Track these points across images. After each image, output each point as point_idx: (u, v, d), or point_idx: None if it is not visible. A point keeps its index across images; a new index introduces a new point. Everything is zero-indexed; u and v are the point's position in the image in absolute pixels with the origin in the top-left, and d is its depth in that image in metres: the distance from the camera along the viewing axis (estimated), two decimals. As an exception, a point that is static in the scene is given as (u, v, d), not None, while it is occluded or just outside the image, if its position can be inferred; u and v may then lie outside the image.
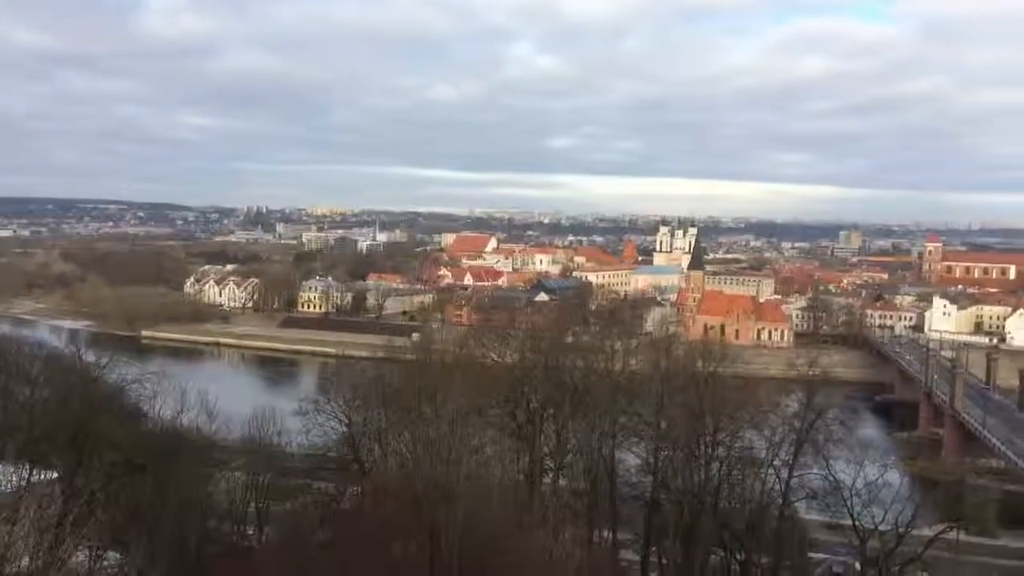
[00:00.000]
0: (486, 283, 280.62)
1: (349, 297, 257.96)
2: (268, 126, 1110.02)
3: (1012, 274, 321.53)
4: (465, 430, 56.32)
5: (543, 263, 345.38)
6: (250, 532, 63.52)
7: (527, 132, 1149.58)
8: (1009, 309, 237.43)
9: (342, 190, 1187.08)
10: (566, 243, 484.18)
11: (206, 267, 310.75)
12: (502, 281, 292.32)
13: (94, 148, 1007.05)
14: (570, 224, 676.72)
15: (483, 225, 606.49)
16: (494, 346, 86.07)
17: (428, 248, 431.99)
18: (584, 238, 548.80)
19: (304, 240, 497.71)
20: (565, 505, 67.79)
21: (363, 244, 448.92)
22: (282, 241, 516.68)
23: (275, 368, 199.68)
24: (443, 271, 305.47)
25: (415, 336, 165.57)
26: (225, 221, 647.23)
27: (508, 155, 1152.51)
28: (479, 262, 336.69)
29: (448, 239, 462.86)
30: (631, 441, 72.64)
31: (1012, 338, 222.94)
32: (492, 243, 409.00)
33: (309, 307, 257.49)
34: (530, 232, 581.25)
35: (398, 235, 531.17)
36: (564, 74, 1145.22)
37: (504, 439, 69.74)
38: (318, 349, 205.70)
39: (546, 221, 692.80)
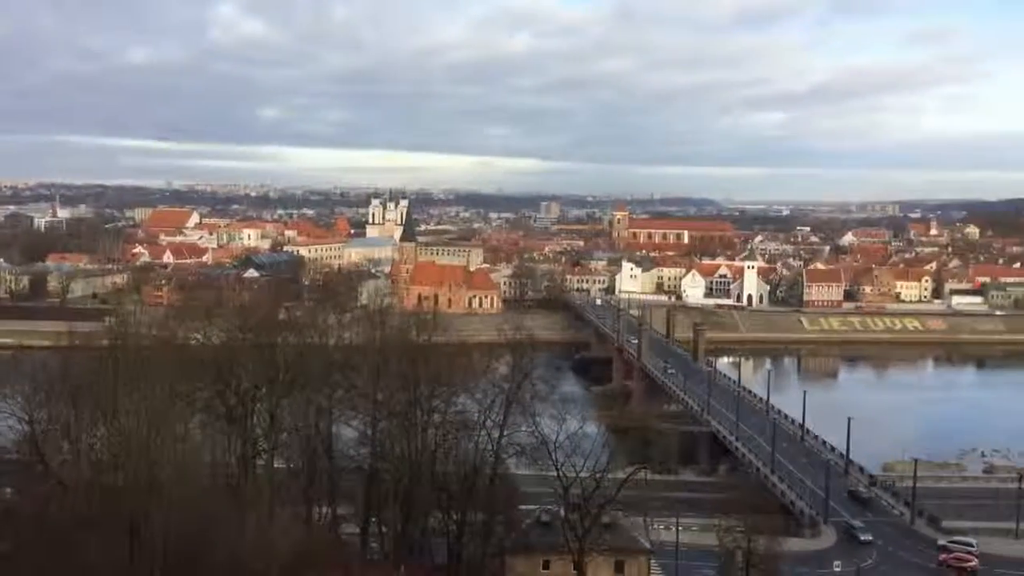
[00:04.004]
0: (189, 260, 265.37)
1: (26, 280, 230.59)
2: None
3: (686, 239, 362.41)
4: (169, 418, 52.89)
5: (251, 238, 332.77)
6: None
7: (232, 101, 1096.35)
8: (684, 270, 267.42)
9: (13, 161, 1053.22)
10: (275, 217, 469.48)
11: None
12: (207, 258, 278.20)
13: None
14: (279, 197, 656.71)
15: (183, 199, 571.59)
16: (199, 327, 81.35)
17: (120, 224, 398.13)
18: (295, 211, 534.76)
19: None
20: (281, 485, 66.21)
21: (41, 221, 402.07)
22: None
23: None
24: (139, 249, 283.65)
25: (108, 320, 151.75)
26: None
27: (211, 125, 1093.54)
28: (180, 238, 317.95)
29: (144, 214, 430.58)
30: (348, 414, 72.35)
31: (687, 296, 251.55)
32: (194, 218, 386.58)
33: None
34: (236, 206, 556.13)
35: (83, 211, 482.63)
36: (272, 41, 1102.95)
37: (213, 423, 66.65)
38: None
39: (253, 194, 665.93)
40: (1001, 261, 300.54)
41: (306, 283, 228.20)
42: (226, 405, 67.68)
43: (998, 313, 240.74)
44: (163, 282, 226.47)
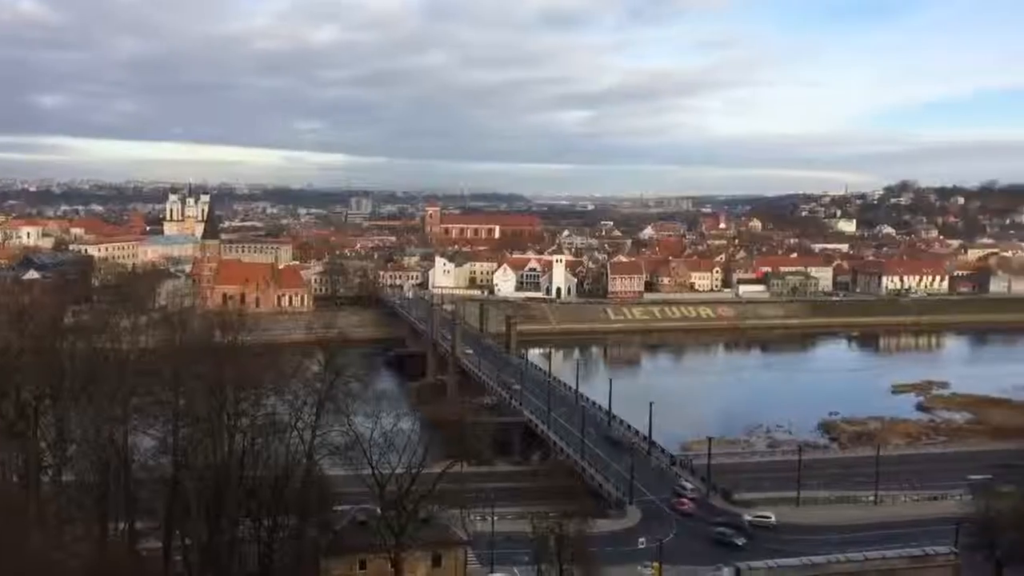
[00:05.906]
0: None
1: None
2: None
3: (497, 233, 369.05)
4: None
5: (31, 236, 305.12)
6: None
7: (7, 86, 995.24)
8: (495, 265, 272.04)
9: None
10: (59, 213, 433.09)
11: None
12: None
13: None
14: (63, 192, 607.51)
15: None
16: (-31, 334, 73.70)
17: None
18: (81, 207, 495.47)
19: None
20: (71, 501, 61.28)
21: None
22: None
23: None
24: None
25: None
26: None
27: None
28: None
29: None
30: (147, 423, 67.96)
31: (499, 289, 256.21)
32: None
33: None
34: (12, 202, 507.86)
35: None
36: (53, 22, 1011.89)
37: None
38: None
39: (33, 189, 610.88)
40: (780, 252, 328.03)
41: (96, 284, 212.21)
42: (5, 418, 61.86)
43: (778, 300, 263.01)
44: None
